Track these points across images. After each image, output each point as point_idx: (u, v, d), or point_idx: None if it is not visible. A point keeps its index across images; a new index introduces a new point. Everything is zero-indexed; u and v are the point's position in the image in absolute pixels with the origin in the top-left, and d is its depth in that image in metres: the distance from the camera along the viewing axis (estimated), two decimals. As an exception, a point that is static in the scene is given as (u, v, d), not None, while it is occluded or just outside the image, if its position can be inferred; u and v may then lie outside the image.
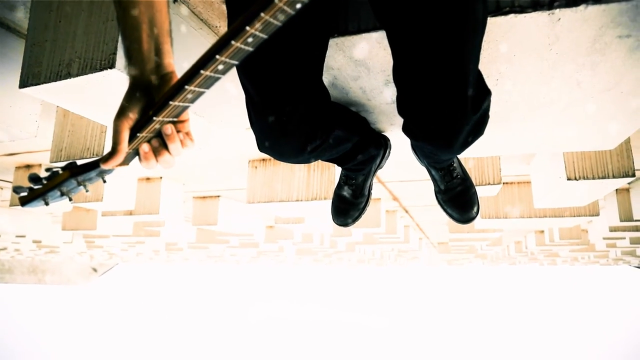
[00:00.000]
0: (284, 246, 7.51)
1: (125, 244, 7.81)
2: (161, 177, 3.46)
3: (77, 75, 1.22)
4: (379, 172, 3.07)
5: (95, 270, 25.94)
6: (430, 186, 1.55)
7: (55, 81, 1.25)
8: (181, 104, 0.65)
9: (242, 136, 2.26)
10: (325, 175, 2.50)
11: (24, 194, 0.73)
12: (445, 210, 1.40)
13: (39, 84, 1.27)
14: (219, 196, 3.91)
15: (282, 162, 2.71)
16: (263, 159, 2.76)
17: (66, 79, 1.24)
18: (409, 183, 3.34)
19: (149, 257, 12.75)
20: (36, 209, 3.34)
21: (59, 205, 3.33)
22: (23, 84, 1.30)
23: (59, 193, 0.72)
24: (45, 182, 0.71)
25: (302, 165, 2.59)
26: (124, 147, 0.68)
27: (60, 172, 0.71)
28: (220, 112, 1.52)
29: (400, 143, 1.52)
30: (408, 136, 1.02)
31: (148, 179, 3.48)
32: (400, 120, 1.30)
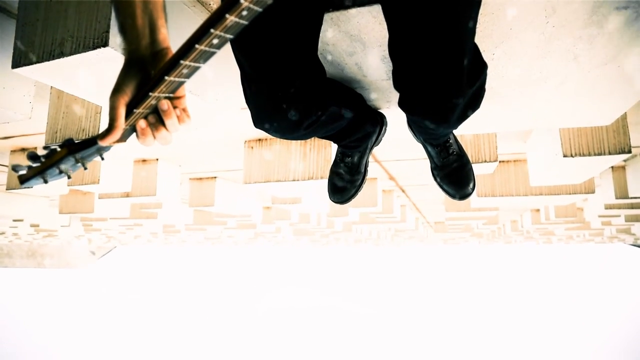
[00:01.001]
0: (281, 227, 7.54)
1: (123, 226, 7.82)
2: (157, 159, 3.45)
3: (70, 54, 1.21)
4: (376, 151, 3.07)
5: (93, 253, 26.06)
6: (426, 165, 1.55)
7: (48, 61, 1.24)
8: (177, 79, 0.65)
9: (237, 116, 2.25)
10: (321, 154, 2.50)
11: (23, 172, 0.73)
12: (441, 186, 1.41)
13: (31, 64, 1.26)
14: (215, 177, 3.90)
15: (278, 142, 2.71)
16: (259, 139, 2.75)
17: (59, 58, 1.22)
18: (405, 162, 3.34)
19: (147, 239, 12.79)
20: (35, 188, 3.34)
21: (57, 185, 3.33)
22: (15, 64, 1.29)
23: (57, 171, 0.72)
24: (43, 160, 0.71)
25: (299, 144, 2.59)
26: (121, 124, 0.68)
27: (58, 149, 0.71)
28: (215, 91, 1.51)
29: (396, 121, 1.52)
30: (404, 111, 1.02)
31: (144, 160, 3.47)
32: (396, 98, 1.30)
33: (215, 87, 1.50)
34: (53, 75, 1.29)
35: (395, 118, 1.51)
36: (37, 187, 3.40)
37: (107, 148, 0.73)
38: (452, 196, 1.37)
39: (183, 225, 7.36)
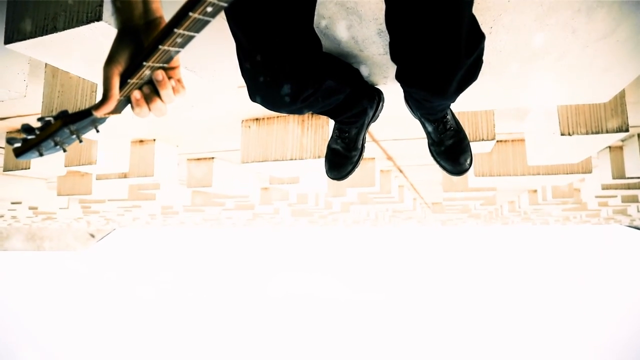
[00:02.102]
0: (280, 208, 7.56)
1: (121, 208, 7.83)
2: (154, 140, 3.44)
3: (64, 29, 1.19)
4: (373, 131, 3.07)
5: (92, 236, 26.13)
6: (424, 145, 1.55)
7: (41, 36, 1.22)
8: (171, 48, 0.64)
9: (234, 95, 2.24)
10: (319, 133, 2.50)
11: (18, 145, 0.72)
12: (438, 162, 1.41)
13: (24, 39, 1.25)
14: (213, 158, 3.90)
15: (275, 121, 2.70)
16: (256, 119, 2.74)
17: (52, 33, 1.21)
18: (403, 142, 3.33)
19: (145, 221, 12.82)
20: (32, 169, 3.33)
21: (54, 167, 3.32)
22: (8, 39, 1.27)
23: (52, 143, 0.71)
24: (38, 132, 0.71)
25: (296, 123, 2.58)
26: (115, 93, 0.67)
27: (53, 121, 0.70)
28: (212, 68, 1.49)
29: (393, 97, 1.51)
30: (401, 83, 1.01)
31: (141, 141, 3.46)
32: (393, 74, 1.29)
33: (212, 63, 1.49)
34: (46, 50, 1.28)
35: (393, 95, 1.50)
36: (35, 168, 3.40)
37: (102, 120, 0.72)
38: (449, 172, 1.38)
39: (181, 206, 7.37)
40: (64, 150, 0.74)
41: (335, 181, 1.45)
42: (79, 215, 10.03)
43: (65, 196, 4.88)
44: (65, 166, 3.17)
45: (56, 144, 0.71)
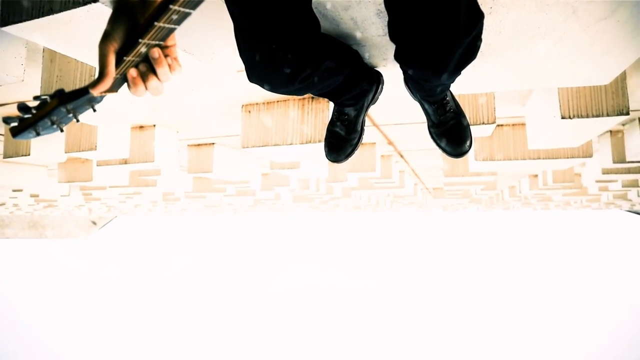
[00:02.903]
0: (281, 193, 7.57)
1: (122, 195, 7.84)
2: (154, 125, 3.44)
3: (60, 10, 1.18)
4: (374, 115, 3.05)
5: (94, 223, 26.24)
6: (425, 130, 1.55)
7: (38, 18, 1.22)
8: (166, 25, 0.64)
9: (234, 79, 2.23)
10: (319, 117, 2.49)
11: (15, 124, 0.72)
12: (438, 144, 1.40)
13: (20, 22, 1.24)
14: (213, 143, 3.89)
15: (276, 106, 2.69)
16: (256, 103, 2.73)
17: (49, 15, 1.20)
18: (404, 126, 3.33)
19: (147, 208, 12.86)
20: (33, 156, 3.33)
21: (55, 153, 3.32)
22: (4, 22, 1.27)
23: (49, 122, 0.71)
24: (34, 111, 0.71)
25: (296, 108, 2.57)
26: (112, 71, 0.67)
27: (49, 100, 0.70)
28: (210, 51, 1.48)
29: (393, 80, 1.51)
30: (400, 63, 1.01)
31: (141, 127, 3.45)
32: (392, 55, 1.28)
33: (211, 46, 1.48)
34: (43, 33, 1.27)
35: (392, 77, 1.50)
36: (35, 155, 3.39)
37: (98, 99, 0.72)
38: (449, 154, 1.37)
39: (182, 192, 7.38)
40: (61, 130, 0.73)
41: (334, 164, 1.45)
42: (80, 202, 10.05)
43: (66, 183, 4.89)
44: (66, 152, 3.17)
45: (53, 123, 0.71)
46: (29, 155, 3.31)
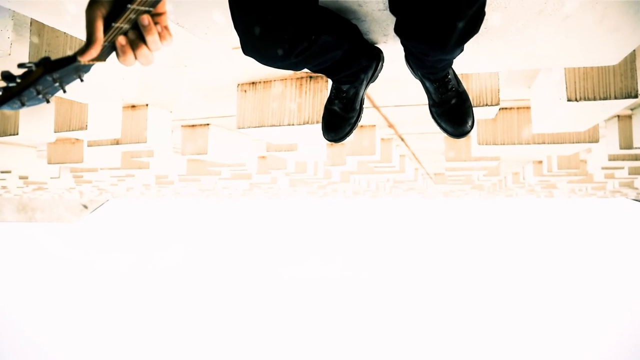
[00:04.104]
0: (277, 177, 7.57)
1: (114, 177, 7.84)
2: (147, 105, 3.42)
3: (48, -20, 1.17)
4: (374, 96, 3.04)
5: (85, 207, 26.26)
6: (427, 112, 1.54)
7: (25, -13, 1.20)
8: None
9: (229, 57, 2.22)
10: (317, 97, 2.48)
11: None
12: (439, 124, 1.40)
13: (7, -9, 1.23)
14: (208, 124, 3.88)
15: (272, 85, 2.67)
16: (253, 82, 2.71)
17: (36, -16, 1.19)
18: (405, 108, 3.32)
19: (139, 192, 12.86)
20: (21, 136, 3.32)
21: (44, 133, 3.30)
22: (-11, -9, 1.25)
23: (34, 92, 0.71)
24: (19, 80, 0.70)
25: (294, 87, 2.56)
26: (100, 37, 0.66)
27: (34, 68, 0.70)
28: (204, 25, 1.47)
29: (393, 57, 1.50)
30: (400, 37, 1.00)
31: (133, 106, 3.44)
32: (393, 32, 1.27)
33: (205, 20, 1.47)
34: (30, 3, 1.26)
35: (393, 55, 1.49)
36: (24, 134, 3.38)
37: (86, 68, 0.72)
38: (450, 134, 1.37)
39: (176, 175, 7.38)
40: (47, 101, 0.73)
41: (333, 144, 1.45)
42: (70, 185, 10.05)
43: (56, 165, 4.88)
44: (55, 132, 3.16)
45: (39, 93, 0.70)
46: (17, 134, 3.29)
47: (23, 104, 0.72)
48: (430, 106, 1.41)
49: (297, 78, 2.59)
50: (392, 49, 1.44)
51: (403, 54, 1.33)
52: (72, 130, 3.08)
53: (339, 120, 1.39)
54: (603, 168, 5.44)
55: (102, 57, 0.70)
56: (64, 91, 0.73)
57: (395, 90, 2.89)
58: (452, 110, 1.34)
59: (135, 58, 0.71)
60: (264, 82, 2.68)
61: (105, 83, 2.06)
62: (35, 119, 3.35)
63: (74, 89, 2.02)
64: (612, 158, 4.34)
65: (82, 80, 0.73)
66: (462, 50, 1.07)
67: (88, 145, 4.20)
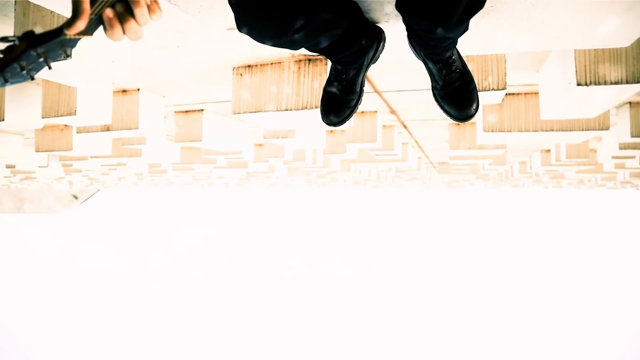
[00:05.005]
0: (275, 165, 7.57)
1: (105, 166, 7.83)
2: (138, 89, 3.41)
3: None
4: (375, 80, 3.03)
5: (76, 197, 26.26)
6: (430, 98, 1.53)
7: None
8: None
9: (223, 38, 2.20)
10: (317, 81, 2.47)
11: None
12: (442, 107, 1.39)
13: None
14: (202, 110, 3.87)
15: (269, 69, 2.66)
16: (249, 65, 2.70)
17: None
18: (408, 93, 3.30)
19: (132, 181, 12.86)
20: (7, 122, 3.30)
21: (31, 119, 3.29)
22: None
23: (18, 68, 0.70)
24: (1, 55, 0.69)
25: (292, 71, 2.54)
26: (86, 8, 0.66)
27: (18, 42, 0.69)
28: (198, 2, 1.46)
29: (395, 38, 1.49)
30: (401, 13, 0.99)
31: (124, 91, 3.42)
32: (395, 12, 1.26)
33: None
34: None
35: (395, 36, 1.48)
36: (10, 120, 3.37)
37: (72, 42, 0.71)
38: (454, 117, 1.37)
39: (170, 164, 7.37)
40: (32, 78, 0.72)
41: (331, 128, 1.44)
42: (60, 174, 10.04)
43: (44, 152, 4.87)
44: (43, 117, 3.15)
45: (22, 69, 0.70)
46: (3, 120, 3.28)
47: (6, 81, 0.71)
48: (433, 88, 1.40)
49: (295, 61, 2.57)
50: (394, 29, 1.43)
51: (405, 33, 1.32)
52: (61, 115, 3.06)
53: (339, 103, 1.39)
54: (613, 157, 5.44)
55: (89, 30, 0.69)
56: (49, 67, 0.72)
57: (397, 73, 2.88)
58: (456, 93, 1.34)
59: (124, 32, 0.70)
60: (261, 65, 2.67)
61: (95, 65, 2.05)
62: (22, 105, 3.34)
63: (62, 71, 2.01)
64: (623, 147, 4.33)
65: (68, 56, 0.73)
66: (466, 28, 1.06)
67: (77, 132, 4.19)
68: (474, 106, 1.36)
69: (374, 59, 1.39)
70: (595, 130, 3.36)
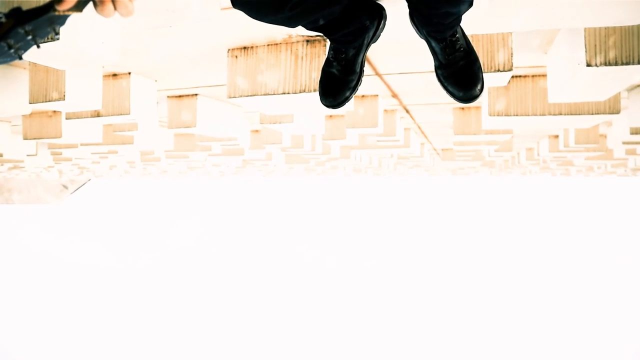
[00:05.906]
0: (272, 152, 7.56)
1: (96, 154, 7.83)
2: (129, 73, 3.40)
3: None
4: (376, 62, 3.02)
5: (66, 187, 26.29)
6: (434, 80, 1.52)
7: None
8: None
9: (217, 18, 2.19)
10: (314, 63, 2.46)
11: None
12: (445, 87, 1.39)
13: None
14: (196, 95, 3.86)
15: (266, 50, 2.65)
16: (244, 47, 2.69)
17: None
18: (410, 76, 3.29)
19: (123, 170, 12.87)
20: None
21: (18, 105, 3.28)
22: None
23: (6, 47, 0.70)
24: None
25: (289, 52, 2.54)
26: None
27: (4, 20, 0.69)
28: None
29: (397, 17, 1.48)
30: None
31: (115, 75, 3.41)
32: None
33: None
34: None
35: (396, 14, 1.47)
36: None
37: (60, 19, 0.71)
38: (458, 98, 1.37)
39: (163, 151, 7.37)
40: (20, 58, 0.72)
41: (330, 110, 1.44)
42: (49, 163, 10.04)
43: (33, 140, 4.87)
44: (30, 102, 3.14)
45: (10, 48, 0.70)
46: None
47: (-7, 60, 0.71)
48: (436, 68, 1.40)
49: (293, 42, 2.56)
50: (395, 6, 1.42)
51: (407, 11, 1.31)
52: (49, 101, 3.06)
53: (338, 83, 1.38)
54: (624, 143, 5.44)
55: (78, 7, 0.69)
56: (38, 46, 0.72)
57: (400, 55, 2.87)
58: (460, 73, 1.34)
59: (115, 8, 0.70)
60: (257, 46, 2.66)
61: (84, 47, 2.04)
62: (7, 90, 3.33)
63: (49, 53, 2.00)
64: (635, 132, 4.33)
65: (57, 34, 0.73)
66: (471, 4, 1.06)
67: (66, 118, 4.18)
68: (479, 86, 1.36)
69: (374, 38, 1.39)
70: (606, 114, 3.36)
